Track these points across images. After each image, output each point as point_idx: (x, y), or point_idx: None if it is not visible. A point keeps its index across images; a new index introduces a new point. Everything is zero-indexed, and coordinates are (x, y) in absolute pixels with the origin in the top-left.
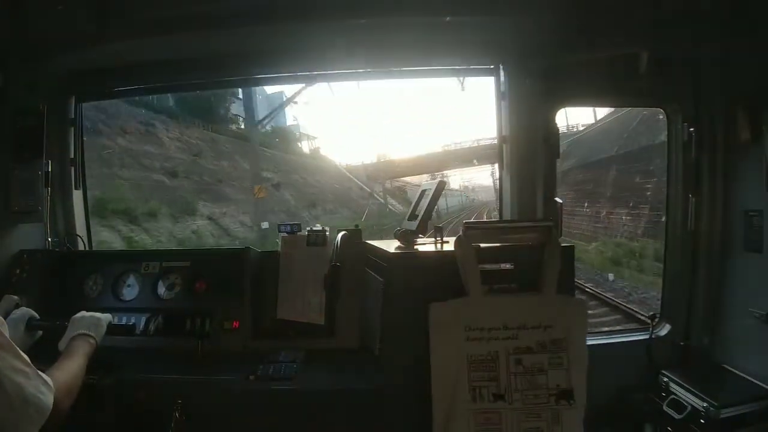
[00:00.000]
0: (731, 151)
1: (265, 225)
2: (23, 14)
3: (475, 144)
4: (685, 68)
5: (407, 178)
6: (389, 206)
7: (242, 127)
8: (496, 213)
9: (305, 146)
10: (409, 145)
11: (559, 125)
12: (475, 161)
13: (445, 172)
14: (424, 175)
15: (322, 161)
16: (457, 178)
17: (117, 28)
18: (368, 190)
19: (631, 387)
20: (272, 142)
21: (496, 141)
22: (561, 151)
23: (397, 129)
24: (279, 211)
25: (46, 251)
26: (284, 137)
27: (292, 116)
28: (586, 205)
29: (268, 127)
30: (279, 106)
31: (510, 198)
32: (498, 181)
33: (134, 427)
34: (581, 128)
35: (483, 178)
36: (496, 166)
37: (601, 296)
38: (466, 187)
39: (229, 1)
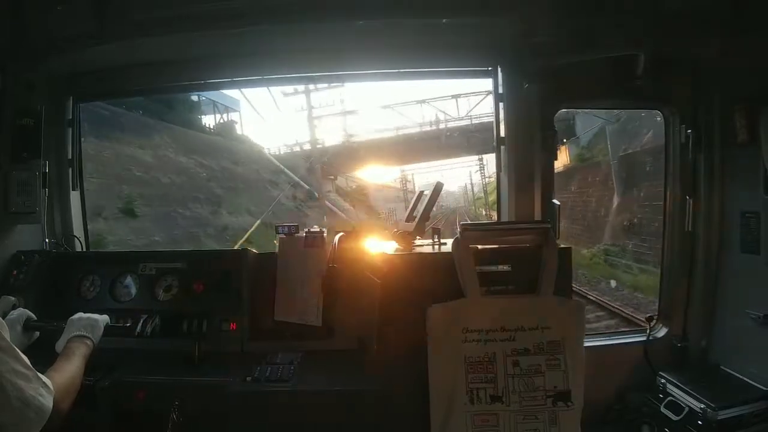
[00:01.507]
0: (729, 152)
1: None
2: (22, 14)
3: (467, 122)
4: (683, 70)
5: (369, 181)
6: (331, 208)
7: None
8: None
9: (211, 119)
10: (373, 124)
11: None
12: (477, 155)
13: (411, 167)
14: (395, 173)
15: (237, 142)
16: (426, 178)
17: (116, 28)
18: (306, 186)
19: (628, 388)
20: None
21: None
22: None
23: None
24: None
25: (43, 252)
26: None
27: None
28: None
29: None
30: None
31: (508, 199)
32: (471, 184)
33: (131, 429)
34: None
35: (451, 177)
36: (482, 163)
37: None
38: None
39: (227, 3)
